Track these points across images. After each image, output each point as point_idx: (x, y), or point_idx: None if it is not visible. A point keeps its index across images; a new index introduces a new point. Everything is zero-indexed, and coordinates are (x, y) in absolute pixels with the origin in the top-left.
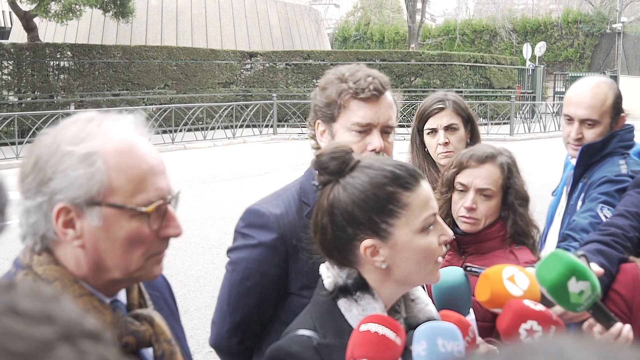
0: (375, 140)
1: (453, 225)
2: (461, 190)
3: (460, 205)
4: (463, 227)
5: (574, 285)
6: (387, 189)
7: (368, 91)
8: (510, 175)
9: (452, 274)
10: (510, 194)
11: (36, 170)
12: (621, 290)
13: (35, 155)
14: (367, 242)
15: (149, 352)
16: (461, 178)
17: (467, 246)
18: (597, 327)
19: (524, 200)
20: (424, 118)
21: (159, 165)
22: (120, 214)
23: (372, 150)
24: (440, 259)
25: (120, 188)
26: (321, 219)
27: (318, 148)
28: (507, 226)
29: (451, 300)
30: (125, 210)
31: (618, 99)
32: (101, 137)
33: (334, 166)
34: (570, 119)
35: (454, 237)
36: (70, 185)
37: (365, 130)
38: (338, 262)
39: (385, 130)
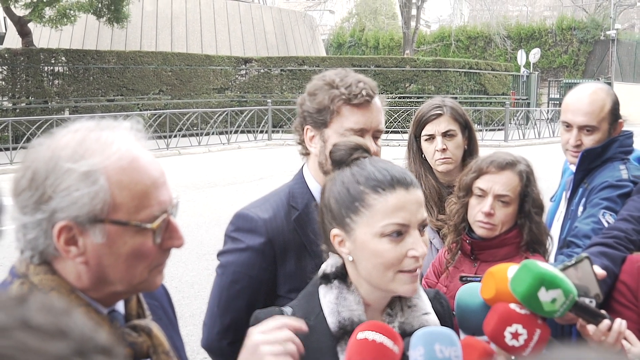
0: (368, 144)
1: (469, 230)
2: (479, 196)
3: (478, 210)
4: (480, 232)
5: (544, 295)
6: (358, 187)
7: (361, 97)
8: (528, 183)
9: (477, 294)
10: (528, 202)
11: (34, 187)
12: (627, 280)
13: (31, 170)
14: (335, 231)
15: None
16: (480, 183)
17: (480, 252)
18: (591, 326)
19: (540, 208)
20: (421, 124)
21: (161, 177)
22: (124, 231)
23: None
24: (418, 271)
25: (124, 205)
26: (320, 200)
27: (307, 154)
28: (524, 233)
29: (472, 320)
30: (129, 227)
31: (616, 105)
32: (101, 153)
33: (336, 156)
34: (568, 126)
35: (425, 252)
36: (72, 205)
37: (357, 135)
38: (325, 243)
39: (375, 135)
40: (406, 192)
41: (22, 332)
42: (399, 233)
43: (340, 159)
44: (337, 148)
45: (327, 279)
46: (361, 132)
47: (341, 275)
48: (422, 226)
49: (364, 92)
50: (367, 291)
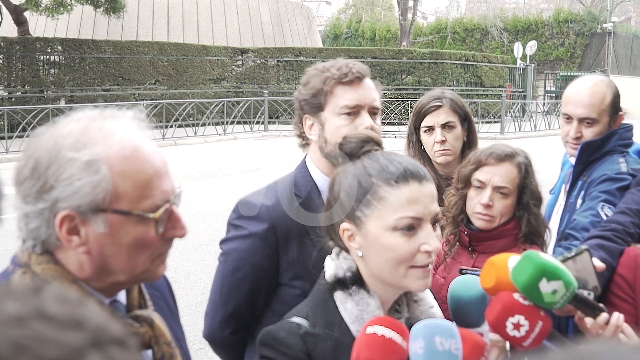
0: (365, 120)
1: (467, 221)
2: (478, 187)
3: (477, 201)
4: (478, 223)
5: (545, 286)
6: (370, 179)
7: (351, 74)
8: (526, 175)
9: (470, 287)
10: (526, 194)
11: (36, 176)
12: (624, 273)
13: (33, 159)
14: (344, 225)
15: (148, 354)
16: (479, 175)
17: (478, 244)
18: (588, 319)
19: (538, 200)
20: (420, 115)
21: (163, 167)
22: (126, 220)
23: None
24: (430, 266)
25: (126, 194)
26: (328, 193)
27: (307, 144)
28: (522, 225)
29: (466, 313)
30: (131, 216)
31: (616, 98)
32: (104, 142)
33: (347, 148)
34: (569, 118)
35: (439, 248)
36: (74, 194)
37: (354, 112)
38: (331, 238)
39: (373, 112)
40: (420, 185)
41: (39, 322)
42: (412, 227)
43: (350, 151)
44: (348, 140)
45: (342, 284)
46: (356, 108)
47: (359, 280)
48: (434, 220)
49: (354, 70)
50: (380, 289)
